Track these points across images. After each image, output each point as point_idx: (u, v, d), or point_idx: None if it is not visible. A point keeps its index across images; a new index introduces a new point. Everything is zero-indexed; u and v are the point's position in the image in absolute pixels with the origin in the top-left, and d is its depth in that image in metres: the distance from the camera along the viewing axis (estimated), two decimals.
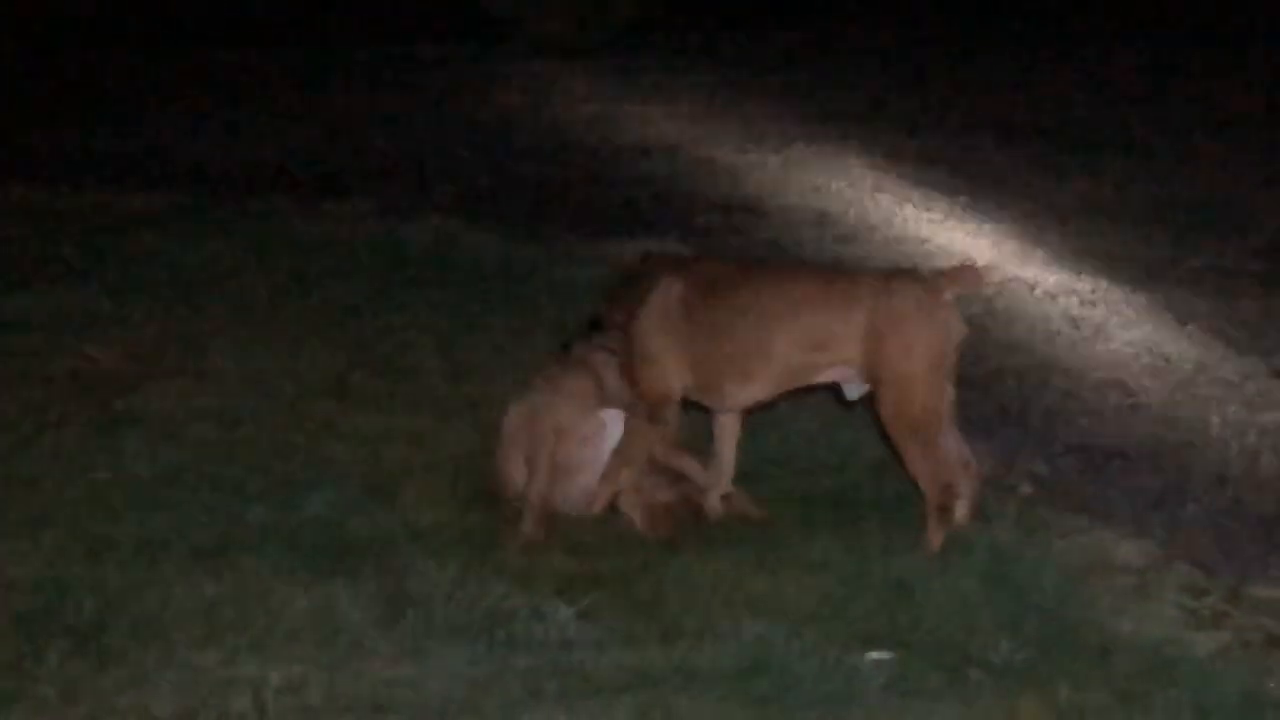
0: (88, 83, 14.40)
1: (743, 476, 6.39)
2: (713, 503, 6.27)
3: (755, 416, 6.55)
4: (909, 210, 10.61)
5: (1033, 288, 9.06)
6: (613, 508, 6.13)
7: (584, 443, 6.10)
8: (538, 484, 6.03)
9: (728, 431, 6.27)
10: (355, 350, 7.64)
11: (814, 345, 5.90)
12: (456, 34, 16.61)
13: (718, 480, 6.27)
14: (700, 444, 6.37)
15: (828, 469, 6.48)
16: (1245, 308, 8.71)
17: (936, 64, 15.89)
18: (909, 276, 6.03)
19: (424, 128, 12.88)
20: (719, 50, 16.53)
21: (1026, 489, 6.60)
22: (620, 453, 6.07)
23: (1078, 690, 5.03)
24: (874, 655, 5.21)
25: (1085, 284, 9.13)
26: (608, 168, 11.65)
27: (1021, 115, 13.51)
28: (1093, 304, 8.80)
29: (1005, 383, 7.73)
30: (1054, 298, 8.91)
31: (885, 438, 6.07)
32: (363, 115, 13.34)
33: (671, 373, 6.00)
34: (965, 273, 6.05)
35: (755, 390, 6.03)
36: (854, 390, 6.05)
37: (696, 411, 6.32)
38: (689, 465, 6.29)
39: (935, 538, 5.88)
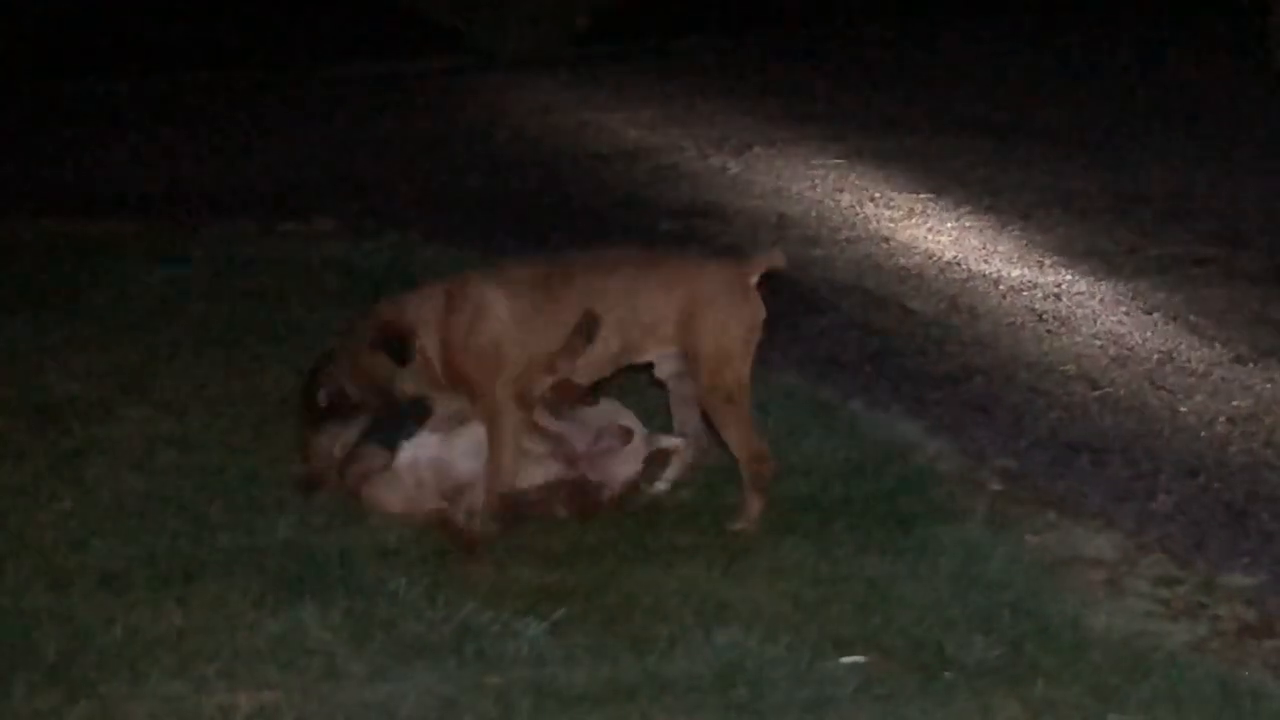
0: (40, 110, 14.34)
1: (711, 481, 6.38)
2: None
3: None
4: (870, 209, 10.61)
5: (996, 283, 9.07)
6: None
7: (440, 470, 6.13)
8: (439, 520, 6.05)
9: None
10: None
11: (639, 329, 6.14)
12: (410, 50, 16.58)
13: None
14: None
15: (796, 472, 6.45)
16: (1209, 296, 8.73)
17: (894, 63, 15.92)
18: (718, 261, 6.45)
19: (380, 145, 12.85)
20: (675, 56, 16.53)
21: (996, 485, 6.60)
22: (494, 458, 6.07)
23: (1053, 686, 5.01)
24: (848, 659, 5.19)
25: (1048, 277, 9.14)
26: (567, 177, 11.64)
27: (980, 111, 13.53)
28: (1057, 297, 8.81)
29: (971, 379, 7.73)
30: (1018, 292, 8.91)
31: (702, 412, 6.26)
32: (318, 135, 13.30)
33: (508, 362, 6.09)
34: (768, 258, 6.29)
35: (589, 373, 6.20)
36: (665, 369, 6.28)
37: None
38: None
39: (754, 507, 6.10)
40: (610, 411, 6.34)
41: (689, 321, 6.11)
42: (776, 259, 6.27)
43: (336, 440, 6.24)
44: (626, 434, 6.25)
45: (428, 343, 6.14)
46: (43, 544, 5.88)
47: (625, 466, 6.25)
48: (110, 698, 4.93)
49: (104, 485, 6.37)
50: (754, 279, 6.19)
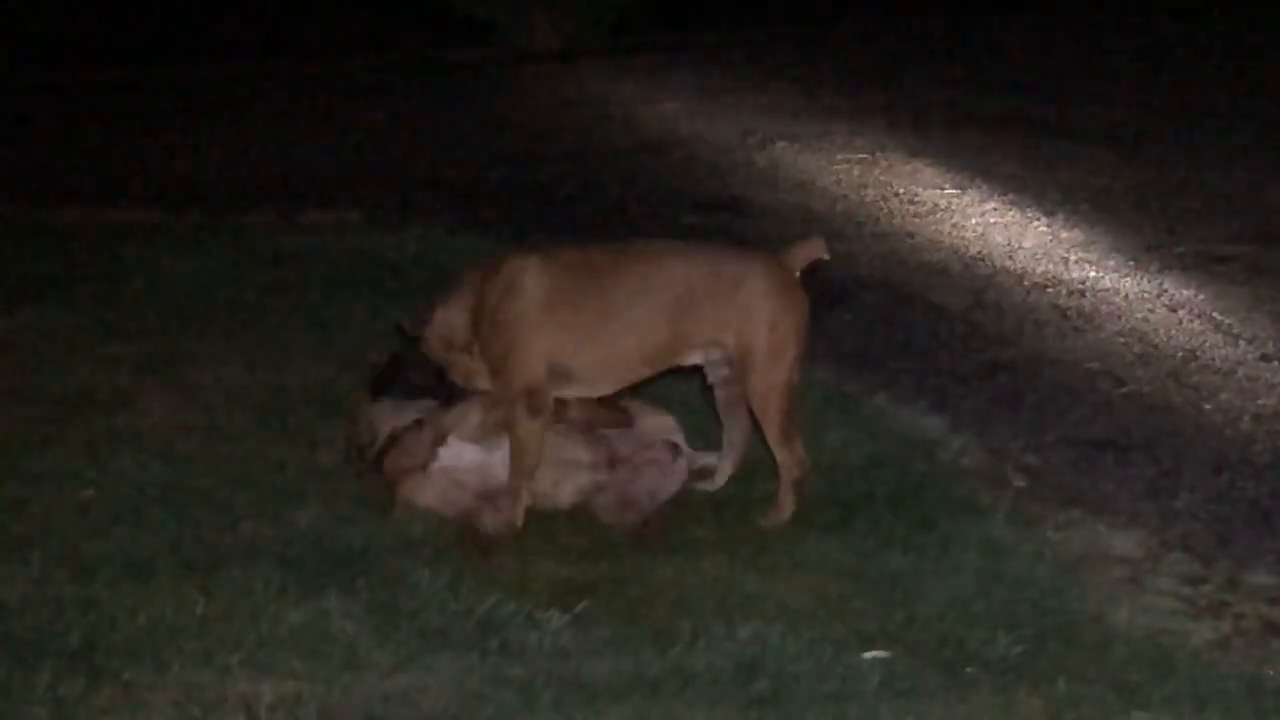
0: (70, 98, 14.37)
1: (734, 478, 6.37)
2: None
3: None
4: (895, 204, 10.60)
5: (1021, 279, 9.06)
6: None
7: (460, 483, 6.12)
8: (466, 521, 6.05)
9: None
10: (342, 361, 7.60)
11: (695, 320, 6.03)
12: (438, 42, 16.59)
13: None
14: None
15: (819, 467, 6.44)
16: (1234, 294, 8.71)
17: (920, 58, 15.89)
18: (766, 254, 6.25)
19: (406, 136, 12.85)
20: (701, 50, 16.52)
21: (1019, 482, 6.58)
22: (515, 464, 6.01)
23: (1075, 683, 5.00)
24: (870, 654, 5.18)
25: (1073, 274, 9.13)
26: (592, 170, 11.64)
27: (1007, 107, 13.51)
28: (1081, 294, 8.79)
29: (996, 375, 7.71)
30: (1043, 288, 8.90)
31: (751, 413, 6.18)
32: (345, 126, 13.31)
33: (541, 359, 5.99)
34: (809, 247, 6.20)
35: (629, 374, 6.12)
36: (717, 374, 6.20)
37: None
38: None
39: (787, 505, 6.08)
40: (662, 426, 6.32)
41: (745, 316, 6.01)
42: (817, 248, 6.18)
43: (387, 421, 6.22)
44: (675, 450, 6.24)
45: (457, 319, 6.06)
46: (67, 532, 5.90)
47: (668, 481, 6.23)
48: (133, 685, 4.94)
49: (128, 474, 6.39)
50: (797, 272, 6.13)
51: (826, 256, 6.21)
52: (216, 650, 5.12)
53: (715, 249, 6.51)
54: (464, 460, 6.10)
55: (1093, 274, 9.12)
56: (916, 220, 10.26)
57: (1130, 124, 12.80)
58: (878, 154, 11.89)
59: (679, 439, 6.29)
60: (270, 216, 10.22)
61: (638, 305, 6.01)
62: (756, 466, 6.33)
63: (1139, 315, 8.46)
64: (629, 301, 6.00)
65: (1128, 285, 8.92)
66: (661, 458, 6.21)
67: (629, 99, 14.12)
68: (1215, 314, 8.42)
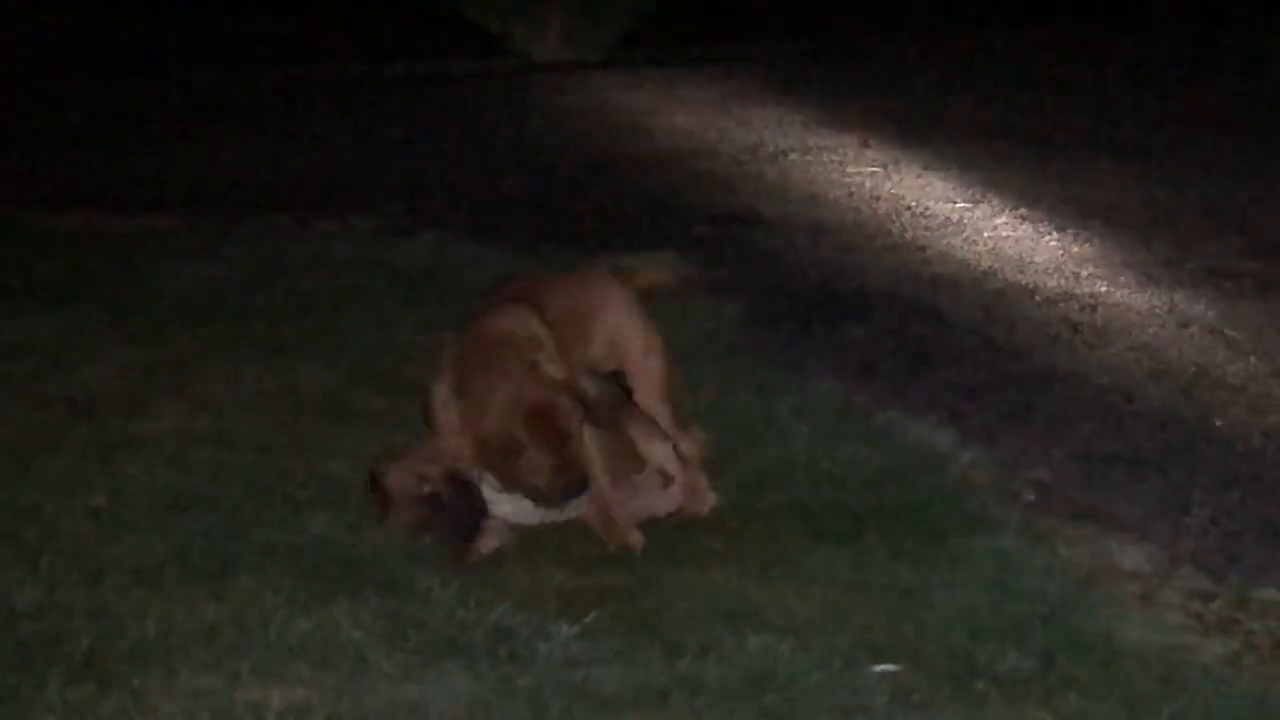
0: (80, 104, 14.37)
1: (744, 489, 6.37)
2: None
3: (754, 429, 6.52)
4: (906, 218, 10.59)
5: (1032, 294, 9.05)
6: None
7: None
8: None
9: None
10: (352, 369, 7.61)
11: (581, 344, 6.24)
12: (449, 52, 16.61)
13: None
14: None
15: (829, 480, 6.44)
16: (1245, 310, 8.71)
17: (932, 72, 15.89)
18: (609, 278, 6.54)
19: (418, 145, 12.85)
20: (712, 62, 16.51)
21: (1029, 496, 6.57)
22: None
23: (1085, 699, 5.00)
24: (880, 667, 5.18)
25: (1084, 289, 9.12)
26: (603, 180, 11.63)
27: (1018, 121, 13.51)
28: (1093, 309, 8.78)
29: (1006, 389, 7.70)
30: (1054, 303, 8.88)
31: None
32: (357, 134, 13.31)
33: None
34: (650, 276, 6.65)
35: None
36: None
37: None
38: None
39: (703, 487, 6.25)
40: (661, 453, 6.29)
41: (613, 340, 6.28)
42: (659, 277, 6.61)
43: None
44: (668, 479, 6.22)
45: None
46: (77, 537, 5.90)
47: (661, 504, 6.22)
48: (142, 691, 4.93)
49: (139, 480, 6.39)
50: (636, 290, 6.41)
51: (671, 283, 6.40)
52: (225, 657, 5.12)
53: (568, 278, 6.69)
54: (500, 511, 6.05)
55: (1104, 289, 9.11)
56: (928, 233, 10.26)
57: (1142, 139, 12.80)
58: (889, 167, 11.89)
59: (671, 464, 6.27)
60: (281, 224, 10.22)
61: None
62: (766, 478, 6.33)
63: (1150, 331, 8.45)
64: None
65: (1139, 301, 8.91)
66: (654, 484, 6.20)
67: (640, 110, 14.12)
68: (1226, 330, 8.41)
